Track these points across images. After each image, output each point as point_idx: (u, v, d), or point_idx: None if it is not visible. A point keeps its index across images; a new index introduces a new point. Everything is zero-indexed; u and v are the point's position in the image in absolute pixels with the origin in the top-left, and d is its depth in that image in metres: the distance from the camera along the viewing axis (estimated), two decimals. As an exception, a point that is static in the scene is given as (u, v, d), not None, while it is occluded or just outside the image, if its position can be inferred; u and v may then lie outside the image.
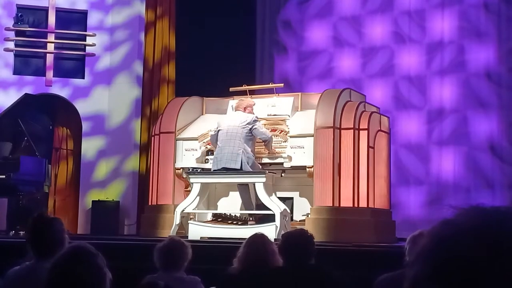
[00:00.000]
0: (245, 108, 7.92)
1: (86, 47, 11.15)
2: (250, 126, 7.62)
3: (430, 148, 10.68)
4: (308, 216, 7.67)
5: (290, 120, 8.08)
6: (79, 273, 2.27)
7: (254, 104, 8.09)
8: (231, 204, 8.20)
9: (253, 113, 7.92)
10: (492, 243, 0.87)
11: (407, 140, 10.76)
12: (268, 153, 7.86)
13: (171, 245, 4.10)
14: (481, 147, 10.30)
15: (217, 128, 7.82)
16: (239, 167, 7.48)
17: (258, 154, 7.87)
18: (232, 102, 8.52)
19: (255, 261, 3.82)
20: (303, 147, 7.72)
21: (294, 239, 3.83)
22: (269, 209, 7.36)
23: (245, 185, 7.81)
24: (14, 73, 10.94)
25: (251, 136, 7.64)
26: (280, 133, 7.93)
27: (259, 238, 3.96)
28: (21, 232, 8.12)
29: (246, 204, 7.82)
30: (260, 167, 7.76)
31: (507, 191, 10.06)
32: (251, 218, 7.77)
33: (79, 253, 2.35)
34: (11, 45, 10.92)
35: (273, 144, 7.85)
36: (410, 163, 10.72)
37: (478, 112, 10.40)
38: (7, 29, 10.84)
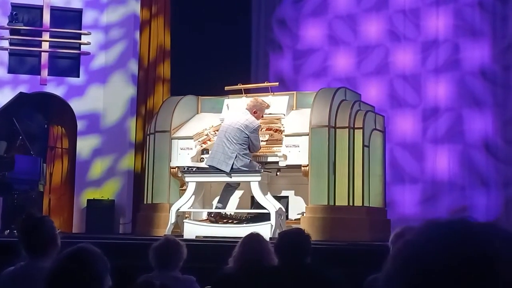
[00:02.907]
0: (254, 111, 7.80)
1: (81, 45, 11.13)
2: (248, 134, 7.59)
3: (425, 146, 10.69)
4: (303, 215, 7.68)
5: (285, 119, 8.07)
6: (74, 274, 2.27)
7: (267, 107, 7.93)
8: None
9: (260, 118, 7.84)
10: (454, 260, 0.92)
11: (402, 139, 10.78)
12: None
13: (166, 245, 4.10)
14: (476, 145, 10.32)
15: (220, 122, 7.85)
16: (228, 171, 7.49)
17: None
18: (228, 101, 8.51)
19: (250, 261, 3.83)
20: (298, 146, 7.71)
21: (291, 238, 3.83)
22: (264, 208, 7.37)
23: (233, 188, 7.82)
24: (9, 72, 10.91)
25: (248, 139, 7.61)
26: (275, 132, 7.93)
27: (255, 238, 3.97)
28: (16, 231, 8.10)
29: (222, 202, 7.80)
30: (259, 166, 7.71)
31: (501, 189, 10.08)
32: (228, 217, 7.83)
33: (80, 255, 2.34)
34: (5, 43, 10.90)
35: (268, 143, 7.90)
36: (405, 161, 10.74)
37: (473, 110, 10.42)
38: (2, 27, 10.81)
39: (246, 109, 7.83)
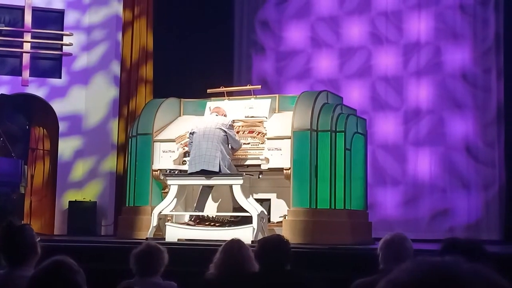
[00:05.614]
0: (222, 114, 8.01)
1: (63, 46, 11.08)
2: (226, 130, 7.64)
3: (406, 149, 10.76)
4: (285, 217, 7.69)
5: (267, 122, 8.10)
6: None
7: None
8: (209, 206, 8.21)
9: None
10: None
11: (384, 141, 10.83)
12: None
13: (147, 251, 4.09)
14: (457, 147, 10.40)
15: (192, 130, 7.80)
16: (217, 170, 7.49)
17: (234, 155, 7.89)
18: (210, 103, 8.52)
19: (231, 267, 3.83)
20: (281, 149, 7.73)
21: (271, 245, 3.84)
22: (246, 211, 7.38)
23: (210, 188, 7.85)
24: (-10, 73, 10.85)
25: (227, 137, 7.67)
26: (257, 135, 7.94)
27: (236, 244, 3.97)
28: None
29: (199, 206, 7.82)
30: (236, 169, 7.76)
31: (482, 191, 10.17)
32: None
33: (60, 269, 2.34)
34: (-14, 44, 10.83)
35: (250, 146, 7.91)
36: (387, 163, 10.79)
37: (454, 113, 10.50)
38: (-17, 28, 10.74)
39: (214, 113, 7.94)
